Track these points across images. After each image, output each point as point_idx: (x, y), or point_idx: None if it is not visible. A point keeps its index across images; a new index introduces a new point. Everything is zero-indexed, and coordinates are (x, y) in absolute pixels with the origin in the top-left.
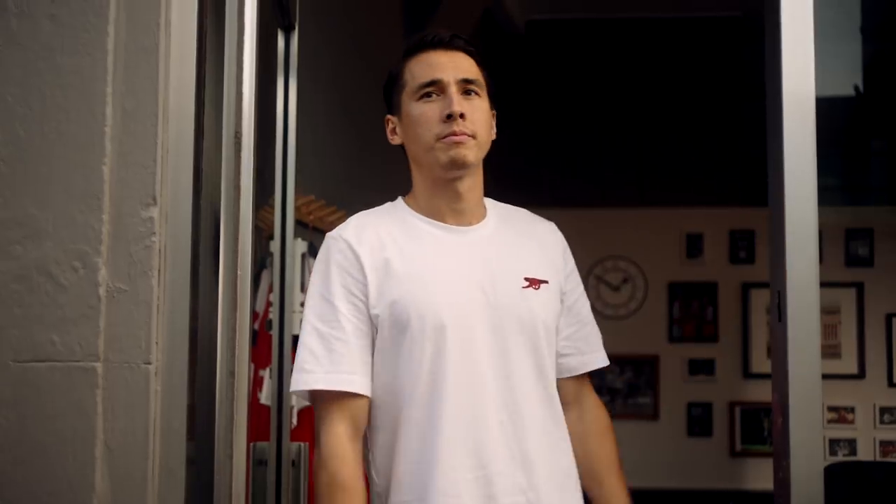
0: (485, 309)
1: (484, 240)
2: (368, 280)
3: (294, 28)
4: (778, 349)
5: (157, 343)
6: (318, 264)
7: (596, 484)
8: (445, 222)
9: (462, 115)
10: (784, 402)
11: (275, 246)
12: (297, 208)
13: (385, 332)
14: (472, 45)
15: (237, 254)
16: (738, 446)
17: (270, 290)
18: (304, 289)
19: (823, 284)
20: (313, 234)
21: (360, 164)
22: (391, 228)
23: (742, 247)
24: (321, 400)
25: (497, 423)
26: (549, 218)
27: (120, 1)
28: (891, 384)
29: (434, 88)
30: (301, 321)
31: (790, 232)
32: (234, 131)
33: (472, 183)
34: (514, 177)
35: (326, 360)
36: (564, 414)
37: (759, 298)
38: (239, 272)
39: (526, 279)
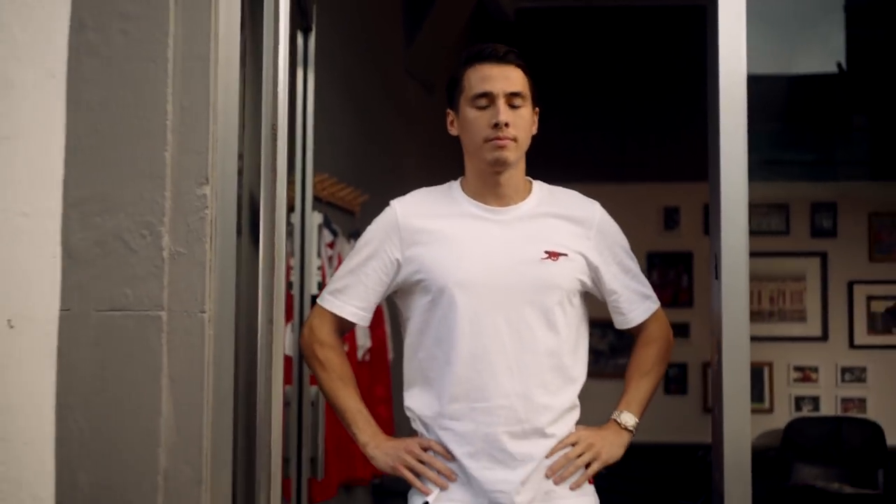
0: (503, 275)
1: (516, 219)
2: (404, 239)
3: (311, 29)
4: (715, 300)
5: (209, 296)
6: (374, 221)
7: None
8: (487, 204)
9: (507, 125)
10: (719, 341)
11: (295, 218)
12: (313, 185)
13: (416, 285)
14: (522, 59)
15: (273, 224)
16: (711, 403)
17: (291, 255)
18: (320, 254)
19: (790, 254)
20: (326, 207)
21: (367, 148)
22: (440, 204)
23: None
24: (321, 309)
25: (505, 368)
26: None
27: (178, 17)
28: (851, 346)
29: (486, 99)
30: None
31: (724, 202)
32: (272, 124)
33: (512, 174)
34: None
35: (338, 286)
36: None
37: None
38: (275, 239)
39: (546, 252)
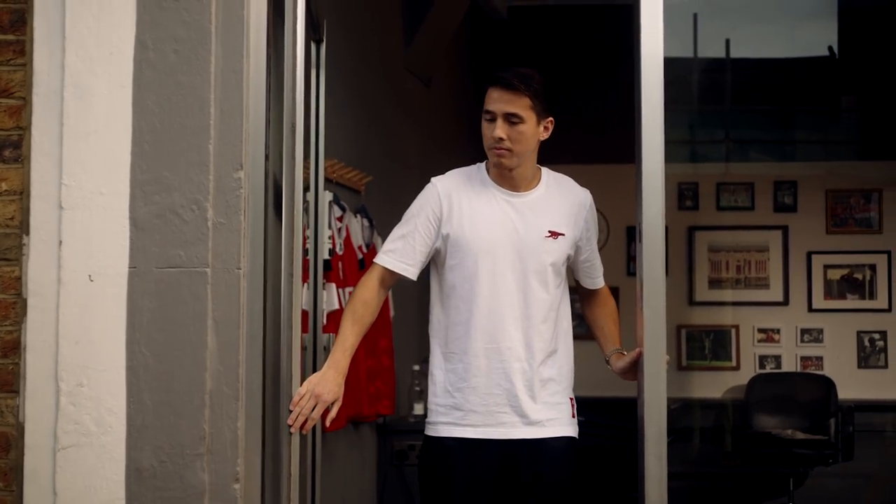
0: (515, 245)
1: (527, 204)
2: (443, 211)
3: (322, 41)
4: (639, 260)
5: (244, 256)
6: (418, 196)
7: (597, 327)
8: (503, 188)
9: (502, 139)
10: (642, 292)
11: (310, 196)
12: (324, 169)
13: (450, 248)
14: (527, 84)
15: (293, 201)
16: (684, 362)
17: (307, 227)
18: (330, 226)
19: (754, 227)
20: (336, 187)
21: (370, 136)
22: (471, 183)
23: (688, 196)
24: (374, 265)
25: (512, 319)
26: None
27: (217, 39)
28: (810, 310)
29: (490, 116)
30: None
31: (644, 176)
32: (292, 122)
33: (517, 170)
34: None
35: (391, 248)
36: (589, 301)
37: (702, 239)
38: (294, 213)
39: (549, 231)
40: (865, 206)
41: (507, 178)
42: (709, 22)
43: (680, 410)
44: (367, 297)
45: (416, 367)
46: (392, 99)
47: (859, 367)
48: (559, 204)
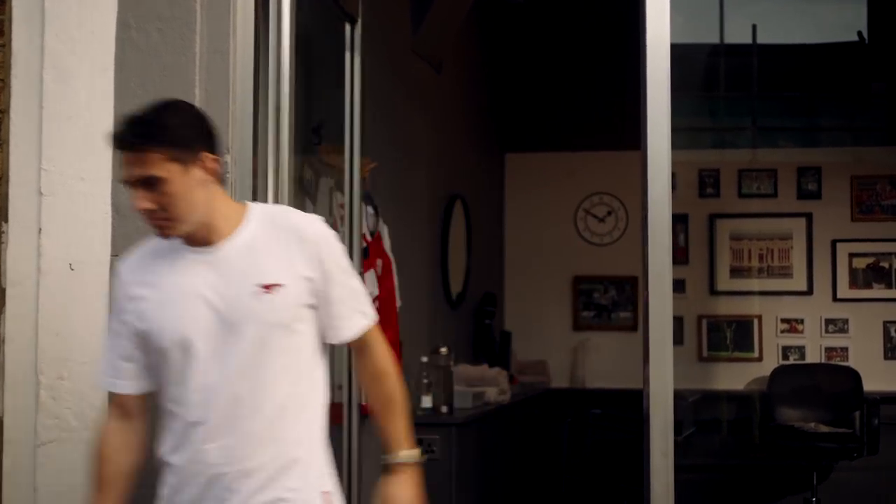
0: (220, 319)
1: (226, 256)
2: (130, 303)
3: (357, 21)
4: (644, 243)
5: None
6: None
7: (378, 420)
8: (194, 245)
9: (152, 210)
10: (646, 275)
11: (346, 188)
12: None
13: (148, 346)
14: (149, 135)
15: (277, 188)
16: (705, 353)
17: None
18: (332, 213)
19: (778, 215)
20: (339, 173)
21: (377, 122)
22: (160, 254)
23: (709, 183)
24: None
25: (233, 415)
26: (553, 159)
27: (203, 18)
28: (835, 299)
29: (129, 185)
30: None
31: (650, 163)
32: (276, 103)
33: (196, 227)
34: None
35: (103, 364)
36: (359, 363)
37: (724, 227)
38: (281, 192)
39: (262, 286)
40: (892, 193)
41: (193, 235)
42: (735, 7)
43: (701, 402)
44: (105, 452)
45: (425, 359)
46: (398, 83)
47: (886, 358)
48: (273, 247)
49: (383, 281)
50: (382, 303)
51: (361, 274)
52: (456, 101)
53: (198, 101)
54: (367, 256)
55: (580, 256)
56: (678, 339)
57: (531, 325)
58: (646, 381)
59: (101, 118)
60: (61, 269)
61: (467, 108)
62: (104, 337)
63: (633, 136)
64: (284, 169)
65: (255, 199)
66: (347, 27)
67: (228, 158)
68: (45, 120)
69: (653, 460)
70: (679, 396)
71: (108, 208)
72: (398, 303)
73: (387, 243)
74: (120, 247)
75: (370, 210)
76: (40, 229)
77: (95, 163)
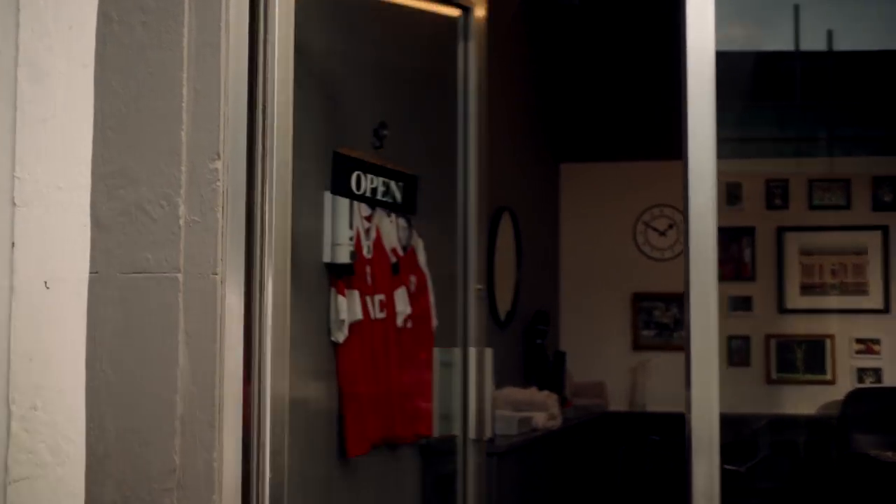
0: None
1: None
2: None
3: (471, 7)
4: (686, 256)
5: (221, 259)
6: None
7: None
8: None
9: None
10: (687, 290)
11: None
12: None
13: None
14: None
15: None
16: (774, 375)
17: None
18: (352, 226)
19: (851, 227)
20: None
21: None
22: None
23: (777, 194)
24: None
25: None
26: (611, 170)
27: (192, 9)
28: None
29: None
30: None
31: (691, 174)
32: (262, 101)
33: None
34: (580, 134)
35: None
36: None
37: (793, 241)
38: (268, 209)
39: None
40: None
41: None
42: (811, 14)
43: (769, 427)
44: None
45: None
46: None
47: None
48: None
49: (417, 299)
50: (416, 322)
51: (391, 292)
52: (503, 106)
53: (185, 100)
54: (397, 273)
55: (640, 272)
56: (745, 360)
57: (588, 344)
58: (688, 404)
59: (80, 120)
60: (36, 288)
61: (515, 114)
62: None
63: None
64: (287, 178)
65: (249, 211)
66: (461, 14)
67: (219, 164)
68: (20, 123)
69: (695, 491)
70: (744, 421)
71: (87, 220)
72: (434, 322)
73: (422, 258)
74: (99, 263)
75: (402, 222)
76: (13, 243)
77: (73, 169)
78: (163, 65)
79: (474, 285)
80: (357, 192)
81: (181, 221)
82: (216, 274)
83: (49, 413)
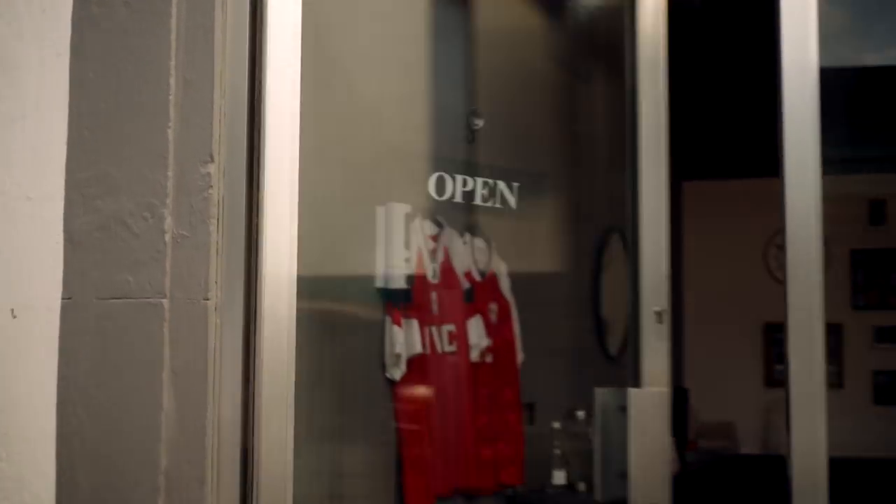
0: None
1: None
2: None
3: None
4: (786, 281)
5: (216, 282)
6: None
7: None
8: None
9: None
10: (786, 321)
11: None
12: None
13: None
14: None
15: (257, 204)
16: None
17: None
18: (408, 246)
19: None
20: None
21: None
22: None
23: None
24: None
25: None
26: (738, 187)
27: None
28: None
29: None
30: None
31: (790, 198)
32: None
33: None
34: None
35: None
36: None
37: None
38: (266, 222)
39: None
40: None
41: None
42: None
43: None
44: None
45: (556, 425)
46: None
47: None
48: None
49: (499, 329)
50: (497, 355)
51: (463, 321)
52: (609, 115)
53: (172, 93)
54: (471, 300)
55: (772, 299)
56: (893, 399)
57: (714, 380)
58: (790, 445)
59: (54, 119)
60: (1, 317)
61: (623, 124)
62: None
63: (832, 159)
64: (294, 181)
65: (250, 220)
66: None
67: (212, 168)
68: None
69: None
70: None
71: (60, 236)
72: (519, 357)
73: (504, 284)
74: (73, 287)
75: (479, 243)
76: None
77: (45, 177)
78: (147, 51)
79: (651, 308)
80: (439, 198)
81: (167, 237)
82: (208, 299)
83: (15, 466)
